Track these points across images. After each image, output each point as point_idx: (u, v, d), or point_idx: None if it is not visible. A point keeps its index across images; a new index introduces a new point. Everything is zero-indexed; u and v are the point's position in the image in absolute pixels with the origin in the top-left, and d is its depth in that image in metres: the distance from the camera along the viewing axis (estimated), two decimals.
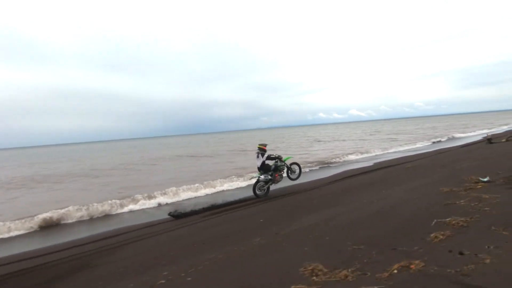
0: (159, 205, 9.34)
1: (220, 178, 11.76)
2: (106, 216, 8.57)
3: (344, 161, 15.13)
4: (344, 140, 32.90)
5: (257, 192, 8.38)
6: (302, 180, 9.67)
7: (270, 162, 8.72)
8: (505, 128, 30.34)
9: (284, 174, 9.02)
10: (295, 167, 9.26)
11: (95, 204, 8.85)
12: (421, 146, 20.30)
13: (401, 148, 19.50)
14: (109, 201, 9.08)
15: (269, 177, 8.51)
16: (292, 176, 9.17)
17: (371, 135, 38.97)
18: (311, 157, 18.38)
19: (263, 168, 8.57)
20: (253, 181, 8.56)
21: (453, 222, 3.37)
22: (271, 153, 8.92)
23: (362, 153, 17.61)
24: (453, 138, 24.15)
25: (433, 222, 3.50)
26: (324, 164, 14.69)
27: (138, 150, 49.15)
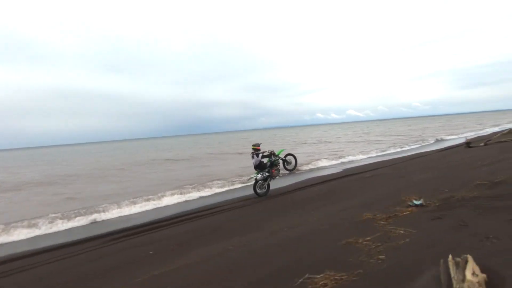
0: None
1: (173, 189, 10.76)
2: None
3: (311, 168, 14.02)
4: (329, 142, 31.93)
5: (258, 191, 8.52)
6: (251, 191, 8.80)
7: (265, 160, 8.88)
8: (496, 129, 29.43)
9: (282, 167, 9.28)
10: (291, 158, 9.44)
11: None
12: (402, 150, 19.35)
13: (381, 152, 18.49)
14: None
15: (267, 174, 8.68)
16: (289, 167, 9.40)
17: (359, 136, 38.05)
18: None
19: (259, 167, 8.70)
20: (253, 180, 8.69)
21: (323, 282, 2.38)
22: (264, 151, 9.00)
23: (337, 158, 16.60)
24: (440, 141, 23.22)
25: (301, 280, 2.50)
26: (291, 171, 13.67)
27: (124, 152, 48.03)
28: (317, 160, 15.87)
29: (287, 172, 9.88)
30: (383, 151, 19.14)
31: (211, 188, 10.79)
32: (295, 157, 9.53)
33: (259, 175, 8.54)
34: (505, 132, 14.07)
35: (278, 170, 9.04)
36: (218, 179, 12.41)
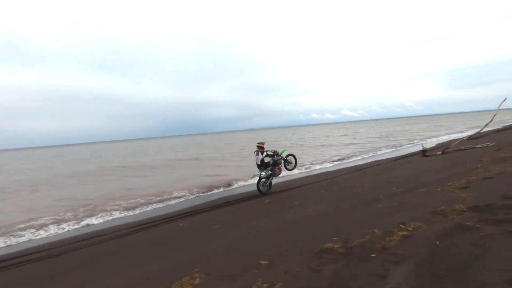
0: None
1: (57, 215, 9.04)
2: None
3: (248, 184, 12.26)
4: (301, 145, 30.29)
5: (261, 188, 8.90)
6: (138, 218, 8.20)
7: (267, 158, 9.17)
8: (477, 129, 27.99)
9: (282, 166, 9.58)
10: (291, 158, 9.73)
11: None
12: (368, 156, 17.70)
13: (338, 161, 16.82)
14: None
15: (269, 172, 9.02)
16: (289, 167, 9.71)
17: (337, 139, 36.45)
18: (234, 172, 15.50)
19: (263, 165, 9.02)
20: (256, 178, 9.17)
21: None
22: (268, 150, 9.27)
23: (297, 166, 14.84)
24: (413, 145, 21.70)
25: None
26: (227, 187, 11.99)
27: (97, 155, 45.72)
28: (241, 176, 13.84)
29: (288, 171, 10.03)
30: (342, 159, 17.44)
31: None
32: (295, 158, 9.81)
33: (263, 173, 8.87)
34: (464, 139, 12.51)
35: (280, 169, 9.39)
36: (119, 200, 10.88)
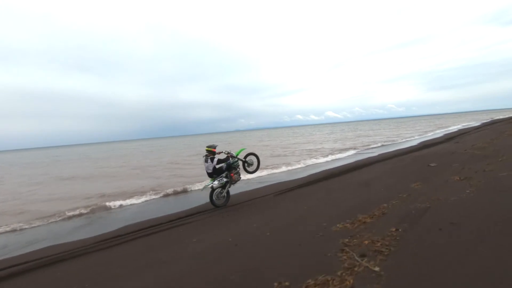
0: None
1: None
2: None
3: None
4: (267, 146, 27.97)
5: (216, 201, 7.45)
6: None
7: (221, 164, 7.69)
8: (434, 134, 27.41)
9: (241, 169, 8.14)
10: (252, 159, 8.32)
11: None
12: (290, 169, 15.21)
13: (286, 168, 14.74)
14: None
15: (225, 179, 7.60)
16: (249, 169, 8.26)
17: (301, 145, 33.48)
18: (167, 182, 13.07)
19: (215, 172, 7.56)
20: (208, 189, 7.57)
21: None
22: (220, 156, 7.91)
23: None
24: (356, 154, 19.25)
25: None
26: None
27: (56, 161, 41.26)
28: (198, 182, 11.62)
29: (249, 173, 8.43)
30: (292, 165, 15.42)
31: None
32: (257, 157, 8.38)
33: (216, 182, 7.44)
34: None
35: (238, 173, 7.97)
36: None
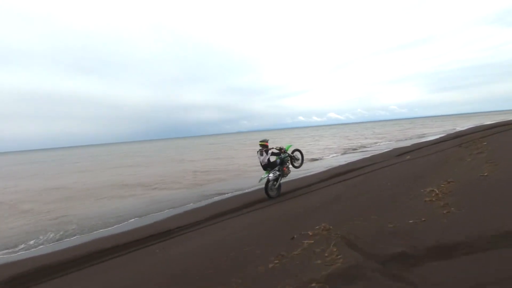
0: None
1: None
2: None
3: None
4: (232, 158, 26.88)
5: (270, 193, 7.88)
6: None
7: (274, 157, 8.28)
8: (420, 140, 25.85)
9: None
10: (298, 154, 8.93)
11: None
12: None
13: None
14: None
15: (278, 172, 8.06)
16: (296, 164, 8.82)
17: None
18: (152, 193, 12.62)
19: (269, 165, 8.01)
20: (263, 182, 7.98)
21: None
22: (274, 148, 8.39)
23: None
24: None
25: None
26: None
27: (47, 163, 41.52)
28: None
29: (295, 168, 9.01)
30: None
31: None
32: (301, 153, 9.05)
33: (271, 175, 7.87)
34: None
35: (288, 168, 8.49)
36: None
